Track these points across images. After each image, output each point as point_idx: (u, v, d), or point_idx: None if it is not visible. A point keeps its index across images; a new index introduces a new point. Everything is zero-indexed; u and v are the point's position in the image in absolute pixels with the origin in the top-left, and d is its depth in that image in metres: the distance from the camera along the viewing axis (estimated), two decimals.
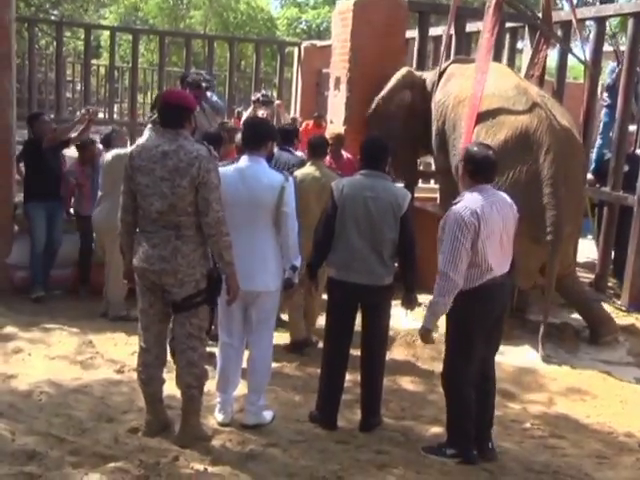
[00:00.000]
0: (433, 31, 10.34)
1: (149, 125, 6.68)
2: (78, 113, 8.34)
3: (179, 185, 4.24)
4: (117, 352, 6.27)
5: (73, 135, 8.13)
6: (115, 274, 7.03)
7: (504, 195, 4.75)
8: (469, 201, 4.55)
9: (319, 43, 15.80)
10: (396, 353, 6.68)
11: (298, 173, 6.36)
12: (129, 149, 6.64)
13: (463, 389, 4.74)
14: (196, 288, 4.40)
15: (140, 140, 6.57)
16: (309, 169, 6.49)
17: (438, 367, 5.13)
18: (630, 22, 8.52)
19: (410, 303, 5.14)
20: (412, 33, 10.06)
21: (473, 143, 5.46)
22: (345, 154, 8.15)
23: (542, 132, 6.74)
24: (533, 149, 6.75)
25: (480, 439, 4.86)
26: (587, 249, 9.68)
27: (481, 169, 4.63)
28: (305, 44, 15.85)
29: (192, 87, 8.46)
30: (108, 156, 7.08)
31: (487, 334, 4.79)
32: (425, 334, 4.69)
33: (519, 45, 11.04)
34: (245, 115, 9.41)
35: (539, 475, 4.68)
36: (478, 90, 7.25)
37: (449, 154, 7.68)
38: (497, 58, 9.85)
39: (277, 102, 11.04)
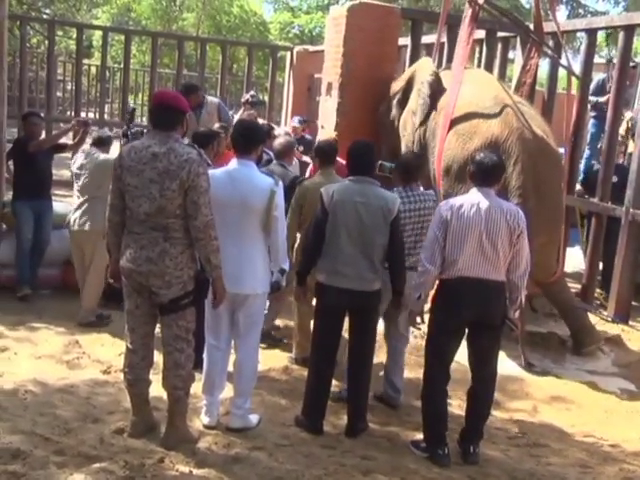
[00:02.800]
0: (425, 39, 10.37)
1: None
2: (68, 113, 8.30)
3: (168, 188, 4.24)
4: (104, 352, 6.25)
5: (70, 142, 8.12)
6: (92, 280, 7.04)
7: (505, 204, 4.89)
8: (455, 198, 4.99)
9: (311, 48, 15.82)
10: (383, 359, 6.67)
11: (308, 183, 6.22)
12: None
13: (427, 387, 4.98)
14: (183, 290, 4.40)
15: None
16: (319, 178, 6.13)
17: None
18: (620, 35, 8.57)
19: (398, 306, 5.18)
20: (404, 40, 10.09)
21: (482, 150, 5.54)
22: None
23: (512, 142, 6.71)
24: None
25: (464, 441, 4.99)
26: (575, 259, 9.72)
27: (477, 172, 4.88)
28: (297, 49, 15.85)
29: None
30: (99, 159, 6.97)
31: (470, 341, 4.98)
32: (409, 315, 5.18)
33: (511, 55, 11.06)
34: (236, 117, 9.39)
35: None
36: (452, 98, 7.29)
37: (429, 161, 7.69)
38: (489, 67, 9.90)
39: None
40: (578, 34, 10.68)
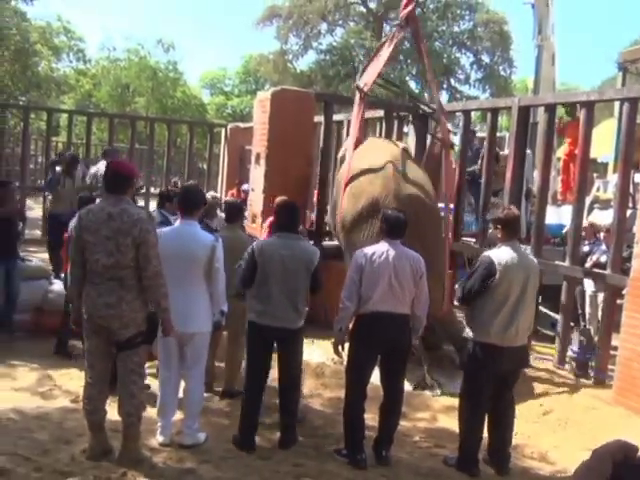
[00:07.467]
0: (336, 117, 10.60)
1: None
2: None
3: (122, 244, 4.20)
4: (72, 384, 6.07)
5: None
6: None
7: (409, 252, 5.00)
8: (369, 247, 5.04)
9: (242, 125, 15.95)
10: (308, 382, 6.67)
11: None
12: None
13: (348, 404, 5.02)
14: (137, 329, 4.34)
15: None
16: (224, 232, 6.09)
17: (343, 393, 5.20)
18: (488, 115, 8.90)
19: None
20: (319, 118, 10.28)
21: (389, 209, 5.59)
22: None
23: (389, 201, 6.76)
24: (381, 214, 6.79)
25: (378, 447, 5.03)
26: None
27: (387, 227, 5.02)
28: (231, 125, 15.98)
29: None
30: None
31: (382, 364, 5.04)
32: (332, 345, 5.07)
33: (405, 129, 11.30)
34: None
35: (426, 478, 4.82)
36: (348, 165, 7.51)
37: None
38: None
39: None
40: (457, 114, 11.14)
